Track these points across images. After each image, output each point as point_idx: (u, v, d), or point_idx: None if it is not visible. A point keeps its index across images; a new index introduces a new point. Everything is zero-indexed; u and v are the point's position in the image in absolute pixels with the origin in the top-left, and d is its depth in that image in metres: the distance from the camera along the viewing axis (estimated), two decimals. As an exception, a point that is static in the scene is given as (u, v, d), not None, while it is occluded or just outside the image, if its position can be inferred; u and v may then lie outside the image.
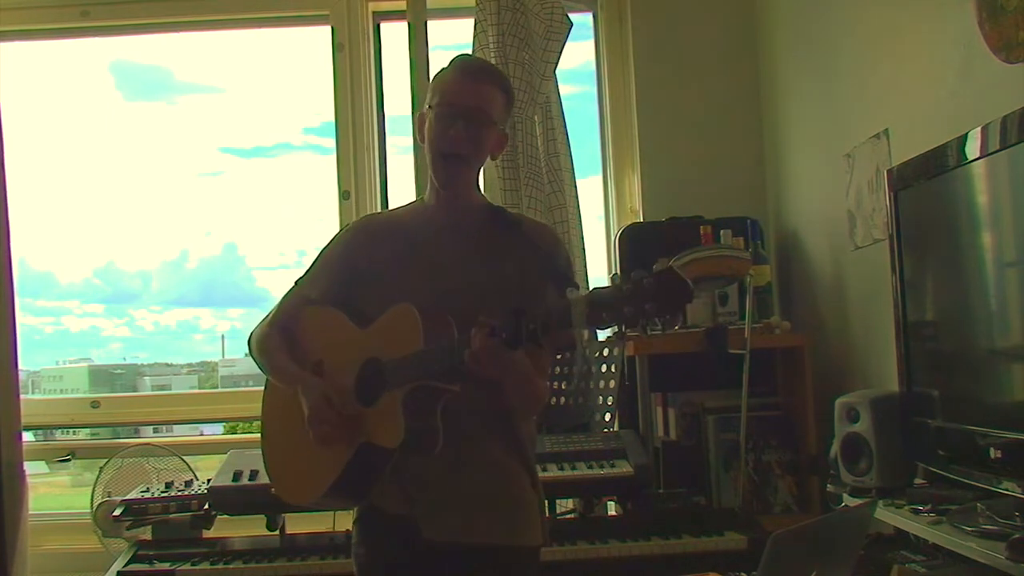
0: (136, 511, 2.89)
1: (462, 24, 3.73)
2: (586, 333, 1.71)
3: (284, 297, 2.14)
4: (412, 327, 1.83)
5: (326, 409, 1.90)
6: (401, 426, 1.80)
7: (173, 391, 4.22)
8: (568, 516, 3.03)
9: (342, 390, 1.91)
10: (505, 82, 2.06)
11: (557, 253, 2.07)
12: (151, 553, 2.76)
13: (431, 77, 2.10)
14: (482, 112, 1.97)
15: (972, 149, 1.98)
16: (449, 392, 1.83)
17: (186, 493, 2.95)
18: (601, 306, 1.59)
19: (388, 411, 1.83)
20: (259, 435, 2.16)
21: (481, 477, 1.95)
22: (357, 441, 1.88)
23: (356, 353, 1.93)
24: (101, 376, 4.28)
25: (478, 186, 2.12)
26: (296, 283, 2.13)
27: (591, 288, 1.66)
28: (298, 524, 2.83)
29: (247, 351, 2.16)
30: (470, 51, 3.58)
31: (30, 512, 3.50)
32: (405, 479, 1.93)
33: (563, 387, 3.15)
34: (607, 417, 3.04)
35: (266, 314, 2.15)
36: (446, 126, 1.97)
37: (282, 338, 2.07)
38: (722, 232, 3.23)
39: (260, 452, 2.15)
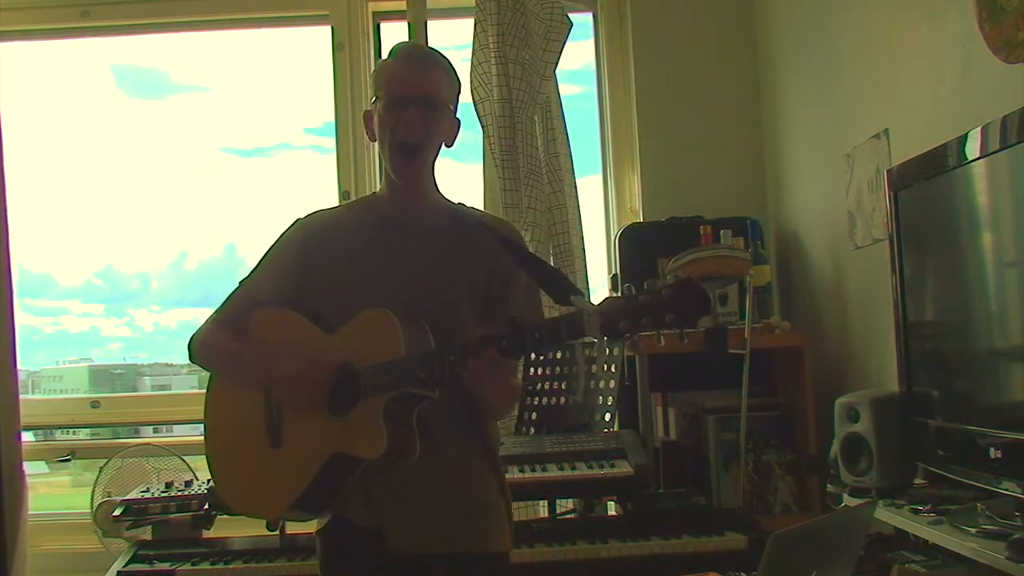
0: (136, 511, 2.89)
1: (462, 24, 3.73)
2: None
3: (228, 298, 2.03)
4: (391, 333, 1.77)
5: (310, 384, 1.84)
6: (384, 436, 1.75)
7: (173, 391, 4.22)
8: (568, 516, 3.03)
9: (317, 379, 1.84)
10: (450, 65, 1.98)
11: (521, 244, 2.03)
12: (151, 553, 2.76)
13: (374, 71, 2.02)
14: (432, 97, 1.91)
15: (972, 149, 1.98)
16: (428, 399, 1.78)
17: (186, 493, 2.95)
18: (618, 317, 1.56)
19: (368, 420, 1.77)
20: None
21: (450, 483, 1.90)
22: (328, 451, 1.82)
23: (324, 357, 1.86)
24: (101, 376, 4.28)
25: (435, 181, 2.02)
26: (240, 284, 2.03)
27: (605, 297, 1.62)
28: (298, 524, 2.82)
29: (189, 357, 2.03)
30: (470, 51, 3.59)
31: (30, 512, 3.50)
32: (371, 487, 1.88)
33: (563, 387, 3.15)
34: (607, 417, 3.04)
35: (208, 316, 2.03)
36: (398, 115, 1.89)
37: (232, 336, 1.98)
38: (722, 232, 3.23)
39: None
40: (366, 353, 1.81)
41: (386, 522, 1.88)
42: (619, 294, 1.59)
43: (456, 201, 2.06)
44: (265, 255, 2.04)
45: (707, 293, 1.54)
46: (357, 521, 1.91)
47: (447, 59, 2.00)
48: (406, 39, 3.67)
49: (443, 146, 1.99)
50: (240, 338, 1.97)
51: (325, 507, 1.93)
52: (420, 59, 1.95)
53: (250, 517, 2.15)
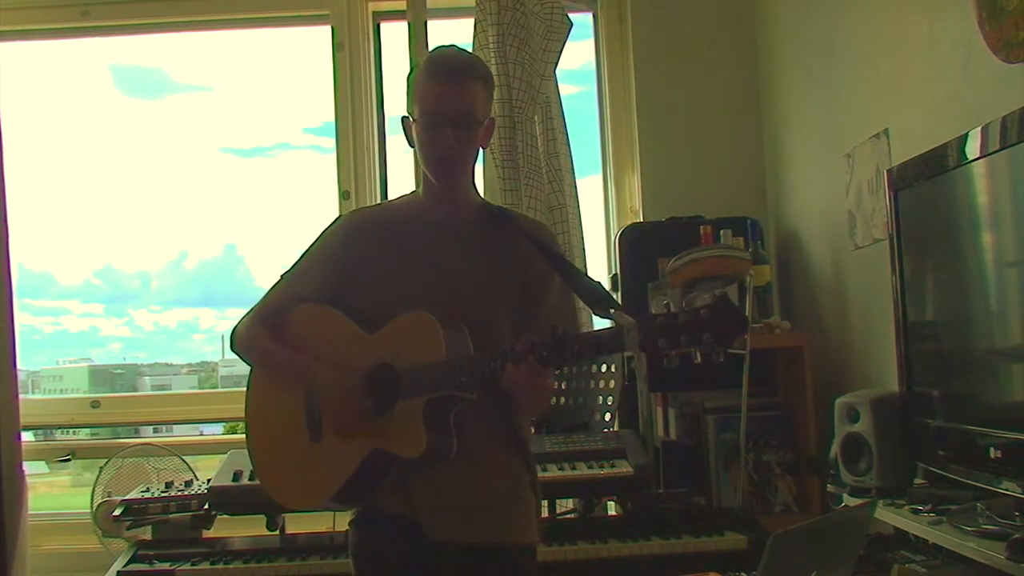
0: (136, 511, 2.89)
1: (462, 24, 3.73)
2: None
3: (270, 291, 2.07)
4: (432, 336, 1.82)
5: (345, 401, 1.88)
6: (423, 437, 1.80)
7: (173, 391, 4.22)
8: (568, 516, 3.03)
9: (351, 397, 1.89)
10: (482, 70, 2.00)
11: (556, 248, 2.08)
12: (151, 553, 2.76)
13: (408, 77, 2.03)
14: (467, 115, 1.93)
15: (972, 149, 1.98)
16: (466, 400, 1.83)
17: (186, 493, 2.95)
18: (657, 334, 1.61)
19: (408, 421, 1.82)
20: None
21: (484, 476, 1.95)
22: (368, 447, 1.87)
23: (363, 357, 1.90)
24: (101, 376, 4.28)
25: (474, 183, 2.08)
26: (282, 277, 2.07)
27: (643, 314, 1.66)
28: (298, 524, 2.83)
29: (230, 346, 2.08)
30: (470, 51, 3.58)
31: (30, 512, 3.50)
32: (406, 479, 1.92)
33: (563, 387, 3.15)
34: (607, 417, 3.04)
35: (250, 308, 2.07)
36: (434, 136, 1.93)
37: (273, 333, 2.01)
38: (722, 232, 3.22)
39: None
40: (407, 355, 1.85)
41: (420, 512, 1.93)
42: (658, 311, 1.63)
43: (495, 204, 2.13)
44: (307, 251, 2.08)
45: (744, 314, 1.58)
46: (392, 511, 1.96)
47: (479, 63, 2.01)
48: (406, 40, 3.68)
49: (480, 148, 2.03)
50: (281, 334, 2.01)
51: (362, 499, 1.99)
52: (453, 75, 1.94)
53: (290, 508, 2.21)
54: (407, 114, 2.01)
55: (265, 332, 2.02)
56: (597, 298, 1.81)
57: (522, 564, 2.00)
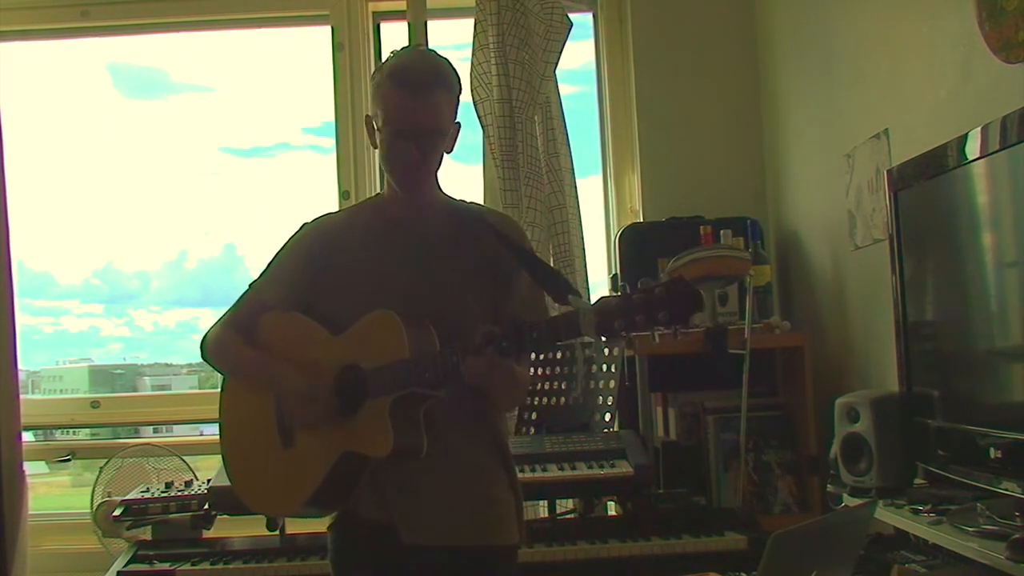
0: (136, 511, 2.90)
1: (462, 24, 3.73)
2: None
3: (239, 300, 2.07)
4: (396, 334, 1.81)
5: (313, 401, 1.88)
6: (390, 436, 1.79)
7: (173, 391, 4.22)
8: (568, 516, 3.03)
9: (319, 396, 1.88)
10: (448, 80, 1.95)
11: (524, 243, 2.06)
12: (151, 553, 2.77)
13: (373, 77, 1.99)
14: (432, 130, 1.92)
15: (972, 149, 1.98)
16: (433, 398, 1.82)
17: (186, 493, 2.95)
18: (612, 316, 1.60)
19: (375, 420, 1.81)
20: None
21: (459, 478, 1.94)
22: (338, 450, 1.86)
23: (331, 360, 1.90)
24: (101, 376, 4.28)
25: (438, 181, 2.05)
26: (251, 286, 2.07)
27: (600, 297, 1.66)
28: (298, 524, 2.82)
29: (201, 354, 2.07)
30: (470, 51, 3.58)
31: (30, 512, 3.50)
32: (382, 483, 1.92)
33: (563, 387, 3.15)
34: (607, 417, 3.04)
35: (219, 317, 2.07)
36: (399, 148, 1.92)
37: (243, 339, 2.01)
38: (722, 232, 3.22)
39: None
40: (372, 355, 1.84)
41: (397, 517, 1.91)
42: (615, 293, 1.62)
43: (459, 198, 2.09)
44: (273, 259, 2.07)
45: (698, 291, 1.57)
46: (368, 516, 1.94)
47: (446, 68, 1.97)
48: (406, 40, 3.67)
49: (445, 153, 2.01)
50: (250, 341, 2.01)
51: (338, 504, 1.97)
52: (419, 88, 1.90)
53: (265, 515, 2.16)
54: (370, 114, 1.99)
55: (234, 339, 2.02)
56: (559, 288, 1.80)
57: (502, 566, 1.99)
